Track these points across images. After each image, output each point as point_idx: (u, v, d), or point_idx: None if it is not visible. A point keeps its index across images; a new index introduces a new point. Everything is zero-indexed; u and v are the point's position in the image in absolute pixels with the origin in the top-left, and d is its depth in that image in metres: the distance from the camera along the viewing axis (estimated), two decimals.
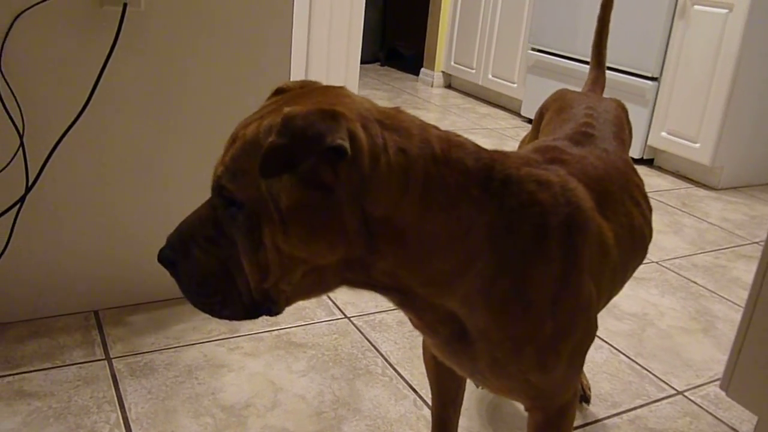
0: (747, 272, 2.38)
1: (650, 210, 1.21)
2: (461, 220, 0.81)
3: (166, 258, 0.82)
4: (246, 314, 0.83)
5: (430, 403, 1.44)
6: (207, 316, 1.74)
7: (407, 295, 0.85)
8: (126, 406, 1.39)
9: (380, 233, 0.77)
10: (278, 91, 0.88)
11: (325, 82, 2.91)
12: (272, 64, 1.72)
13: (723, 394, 1.45)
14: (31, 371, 1.47)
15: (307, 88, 0.85)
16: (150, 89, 1.60)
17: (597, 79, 1.54)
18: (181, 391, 1.46)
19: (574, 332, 0.91)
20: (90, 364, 1.51)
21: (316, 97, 0.79)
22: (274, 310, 0.84)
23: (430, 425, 1.25)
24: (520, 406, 1.52)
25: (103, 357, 1.54)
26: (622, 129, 1.26)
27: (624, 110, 1.40)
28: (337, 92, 0.82)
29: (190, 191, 1.72)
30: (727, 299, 2.16)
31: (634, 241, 1.09)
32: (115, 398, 1.41)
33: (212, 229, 0.80)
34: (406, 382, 1.56)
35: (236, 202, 0.77)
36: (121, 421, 1.35)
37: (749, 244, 2.65)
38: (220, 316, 0.84)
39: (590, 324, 0.96)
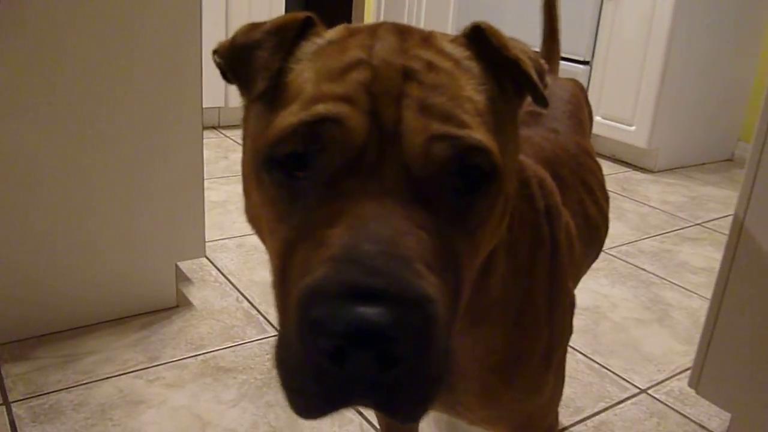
0: (694, 255, 2.31)
1: (606, 200, 1.09)
2: None
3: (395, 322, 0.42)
4: None
5: (377, 426, 1.29)
6: (123, 343, 1.56)
7: None
8: None
9: None
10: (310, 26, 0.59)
11: None
12: (182, 62, 1.54)
13: (687, 388, 1.35)
14: None
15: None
16: (53, 90, 1.40)
17: (550, 55, 1.42)
18: None
19: (563, 338, 0.81)
20: None
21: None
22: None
23: None
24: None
25: (1, 401, 1.34)
26: (579, 109, 1.14)
27: (582, 90, 1.28)
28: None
29: (103, 204, 1.52)
30: (678, 285, 2.08)
31: (590, 233, 0.97)
32: None
33: (440, 244, 0.49)
34: None
35: (494, 170, 0.51)
36: None
37: (692, 226, 2.60)
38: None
39: (571, 327, 0.84)
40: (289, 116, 0.49)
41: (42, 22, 1.36)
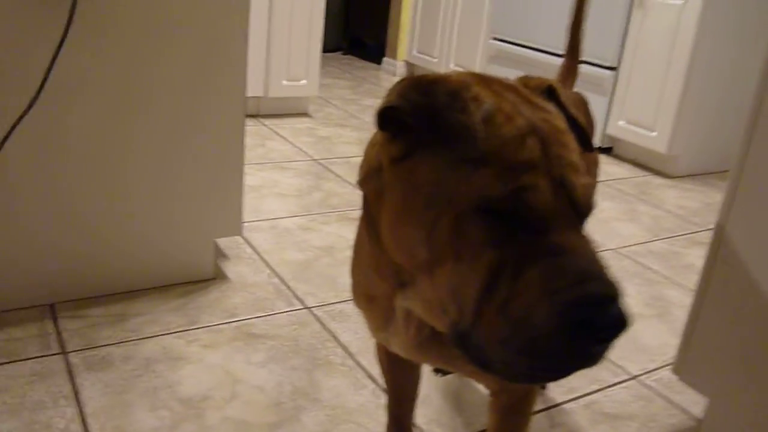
0: (701, 258, 2.42)
1: None
2: None
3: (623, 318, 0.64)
4: None
5: (385, 388, 1.45)
6: (166, 308, 1.74)
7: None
8: (82, 400, 1.38)
9: None
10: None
11: (285, 71, 2.89)
12: (229, 53, 1.71)
13: (675, 377, 1.48)
14: None
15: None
16: (108, 75, 1.58)
17: (569, 70, 1.56)
18: (138, 384, 1.45)
19: None
20: (45, 358, 1.49)
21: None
22: None
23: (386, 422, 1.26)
24: (480, 395, 1.54)
25: (59, 351, 1.52)
26: None
27: (583, 103, 1.41)
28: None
29: (150, 182, 1.70)
30: (681, 285, 2.20)
31: None
32: (72, 392, 1.40)
33: None
34: (366, 372, 1.57)
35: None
36: (78, 415, 1.34)
37: (703, 231, 2.71)
38: None
39: None
40: (497, 179, 0.66)
41: (98, 14, 1.54)
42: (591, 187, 0.71)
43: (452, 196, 0.68)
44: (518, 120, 0.69)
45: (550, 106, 0.75)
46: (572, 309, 0.62)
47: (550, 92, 0.78)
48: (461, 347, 0.71)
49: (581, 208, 0.69)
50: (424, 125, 0.70)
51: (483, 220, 0.67)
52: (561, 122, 0.73)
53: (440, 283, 0.72)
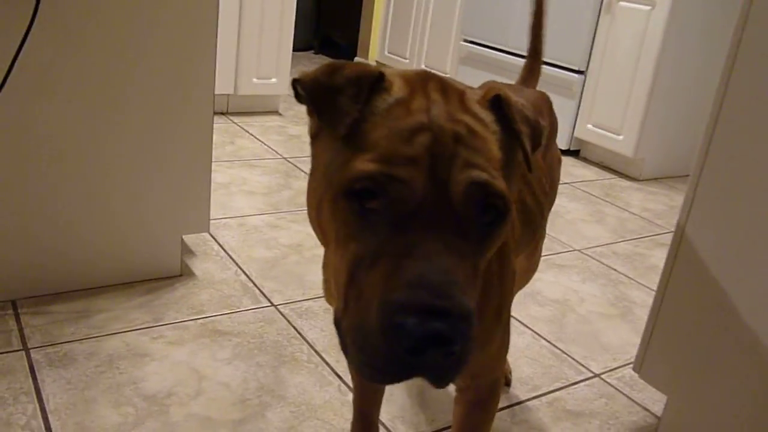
0: (664, 260, 2.46)
1: (545, 193, 1.26)
2: None
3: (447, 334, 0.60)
4: None
5: (351, 386, 1.46)
6: (130, 304, 1.72)
7: None
8: (44, 396, 1.36)
9: None
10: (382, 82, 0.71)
11: (255, 69, 2.89)
12: (198, 51, 1.70)
13: (637, 376, 1.51)
14: None
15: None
16: (76, 70, 1.56)
17: (532, 71, 1.58)
18: (101, 380, 1.43)
19: (509, 299, 0.99)
20: (6, 354, 1.47)
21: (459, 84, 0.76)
22: None
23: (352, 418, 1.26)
24: (444, 392, 1.55)
25: (21, 347, 1.50)
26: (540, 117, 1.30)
27: (546, 101, 1.44)
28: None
29: (117, 178, 1.69)
30: (644, 286, 2.24)
31: (525, 217, 1.14)
32: (33, 389, 1.38)
33: (470, 264, 0.66)
34: (332, 369, 1.57)
35: (507, 210, 0.68)
36: (39, 412, 1.32)
37: (667, 233, 2.76)
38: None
39: (513, 292, 1.03)
40: (368, 164, 0.64)
41: (64, 11, 1.52)
42: (480, 184, 0.65)
43: (332, 178, 0.68)
44: (419, 116, 0.67)
45: (484, 114, 0.72)
46: (392, 312, 0.60)
47: (495, 102, 0.74)
48: (337, 332, 0.70)
49: (458, 204, 0.65)
50: (321, 105, 0.70)
51: (352, 204, 0.65)
52: (482, 128, 0.70)
53: (329, 268, 0.72)
